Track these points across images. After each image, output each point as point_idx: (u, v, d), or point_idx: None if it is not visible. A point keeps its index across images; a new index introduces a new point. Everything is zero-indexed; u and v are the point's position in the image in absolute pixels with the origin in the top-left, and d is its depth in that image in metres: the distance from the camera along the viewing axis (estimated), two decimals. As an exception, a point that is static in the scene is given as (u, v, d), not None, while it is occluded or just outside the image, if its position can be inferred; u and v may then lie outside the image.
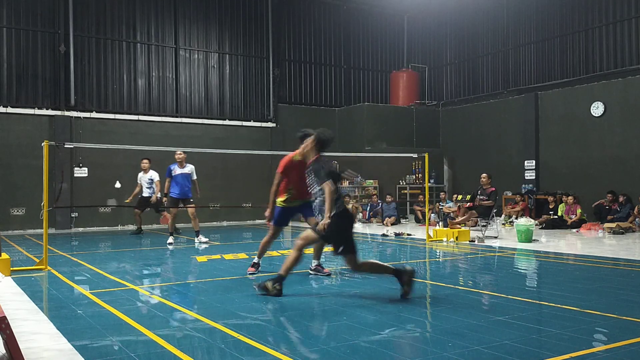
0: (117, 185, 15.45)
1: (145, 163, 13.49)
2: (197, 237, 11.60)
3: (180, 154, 11.54)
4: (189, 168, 11.60)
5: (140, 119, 16.96)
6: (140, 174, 13.61)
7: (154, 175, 13.45)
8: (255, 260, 7.59)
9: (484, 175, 12.67)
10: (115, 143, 15.57)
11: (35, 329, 4.74)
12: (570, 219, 14.54)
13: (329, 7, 20.56)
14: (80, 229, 15.76)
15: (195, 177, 11.78)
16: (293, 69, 20.02)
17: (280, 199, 7.22)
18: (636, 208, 13.72)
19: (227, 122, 18.36)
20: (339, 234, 5.83)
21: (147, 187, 13.41)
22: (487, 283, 7.05)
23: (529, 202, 16.56)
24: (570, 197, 14.86)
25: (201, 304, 5.70)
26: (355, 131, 19.68)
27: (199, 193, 11.98)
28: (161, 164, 14.77)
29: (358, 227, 15.83)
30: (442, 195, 17.53)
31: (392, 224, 16.06)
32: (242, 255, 9.49)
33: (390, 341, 4.40)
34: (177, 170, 11.45)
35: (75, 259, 9.31)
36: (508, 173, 17.85)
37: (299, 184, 6.96)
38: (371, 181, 18.87)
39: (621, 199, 14.31)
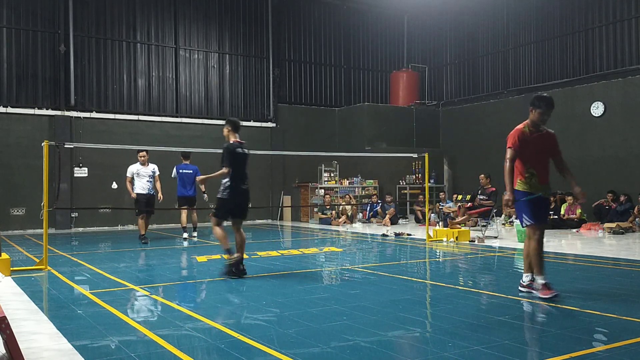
0: (114, 186, 15.38)
1: (144, 155, 11.93)
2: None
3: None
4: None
5: (140, 119, 16.96)
6: (137, 167, 11.85)
7: (155, 168, 12.09)
8: (527, 279, 5.98)
9: (482, 175, 12.72)
10: (115, 143, 15.57)
11: (35, 329, 4.74)
12: (569, 217, 14.54)
13: (329, 7, 20.56)
14: (80, 229, 15.76)
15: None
16: (293, 69, 20.02)
17: (519, 182, 5.94)
18: (636, 208, 13.71)
19: (227, 122, 18.34)
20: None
21: (147, 181, 11.81)
22: (487, 283, 7.04)
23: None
24: (570, 198, 14.86)
25: (201, 304, 5.70)
26: (355, 131, 19.67)
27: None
28: (161, 163, 14.75)
29: (358, 227, 15.84)
30: (442, 195, 17.54)
31: (391, 220, 16.06)
32: (242, 255, 9.47)
33: (390, 341, 4.40)
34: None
35: (75, 259, 9.31)
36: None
37: (538, 163, 6.02)
38: (371, 181, 18.87)
39: (622, 198, 14.30)
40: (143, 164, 11.88)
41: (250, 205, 7.66)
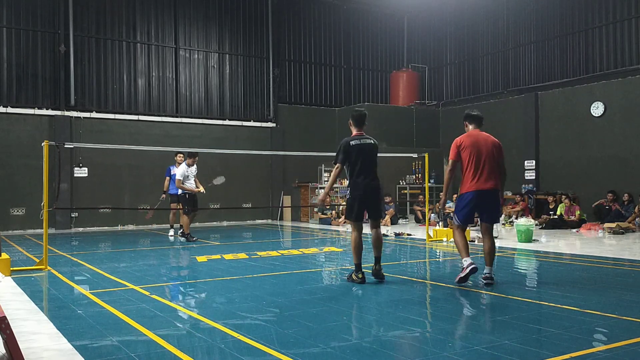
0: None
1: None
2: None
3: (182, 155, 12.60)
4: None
5: (140, 119, 16.96)
6: (188, 169, 12.09)
7: (196, 169, 12.42)
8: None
9: None
10: (115, 143, 15.58)
11: (35, 329, 4.74)
12: (569, 219, 14.53)
13: (329, 7, 20.56)
14: (80, 229, 15.76)
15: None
16: (293, 69, 20.02)
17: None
18: (636, 208, 13.71)
19: (227, 122, 18.37)
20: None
21: (193, 181, 12.23)
22: (487, 283, 7.03)
23: (529, 202, 16.56)
24: (566, 199, 14.85)
25: (201, 304, 5.70)
26: (355, 131, 19.63)
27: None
28: (161, 163, 14.79)
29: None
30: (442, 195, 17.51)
31: (391, 220, 16.06)
32: (242, 255, 9.49)
33: (390, 341, 4.40)
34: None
35: (75, 259, 9.31)
36: (508, 173, 17.79)
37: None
38: (371, 181, 18.82)
39: (625, 197, 14.27)
40: (190, 165, 12.14)
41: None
